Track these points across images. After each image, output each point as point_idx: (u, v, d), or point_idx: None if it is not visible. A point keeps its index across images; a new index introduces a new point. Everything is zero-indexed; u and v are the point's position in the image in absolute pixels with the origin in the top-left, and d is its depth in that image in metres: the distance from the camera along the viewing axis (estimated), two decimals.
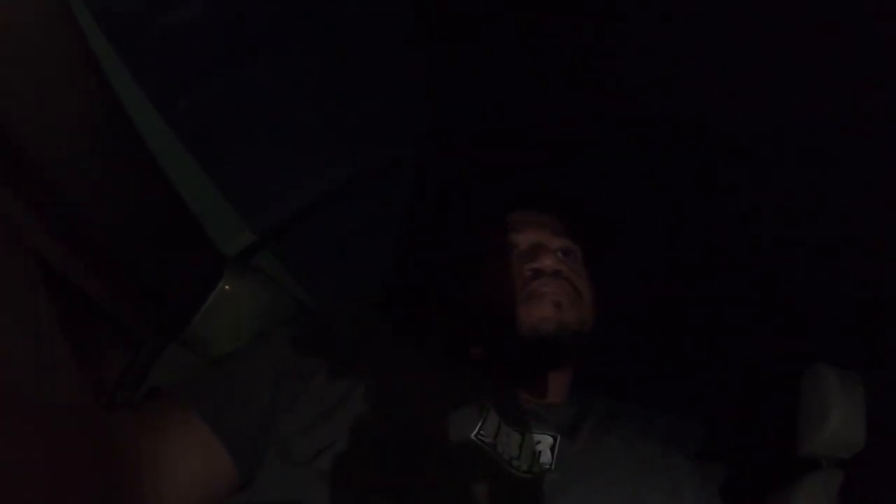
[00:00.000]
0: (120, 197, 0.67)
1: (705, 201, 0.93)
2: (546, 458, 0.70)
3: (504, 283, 0.83)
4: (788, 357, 0.84)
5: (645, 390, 1.07)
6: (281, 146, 1.00)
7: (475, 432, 0.68)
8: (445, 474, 0.64)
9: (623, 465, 0.72)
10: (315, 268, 1.10)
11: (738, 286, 0.96)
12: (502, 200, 0.98)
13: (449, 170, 1.14)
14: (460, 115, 1.08)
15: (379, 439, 0.65)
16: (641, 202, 1.00)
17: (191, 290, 0.82)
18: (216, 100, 0.86)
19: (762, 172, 0.84)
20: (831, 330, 0.85)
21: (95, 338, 0.71)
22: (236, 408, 0.66)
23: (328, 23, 0.91)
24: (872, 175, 0.73)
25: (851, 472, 0.71)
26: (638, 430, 0.81)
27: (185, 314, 0.82)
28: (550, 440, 0.72)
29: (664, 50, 0.79)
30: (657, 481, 0.72)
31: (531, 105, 0.98)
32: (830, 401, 0.71)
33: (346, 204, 1.11)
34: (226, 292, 0.85)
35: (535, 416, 0.75)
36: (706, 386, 1.03)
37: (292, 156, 1.02)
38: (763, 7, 0.67)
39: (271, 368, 0.70)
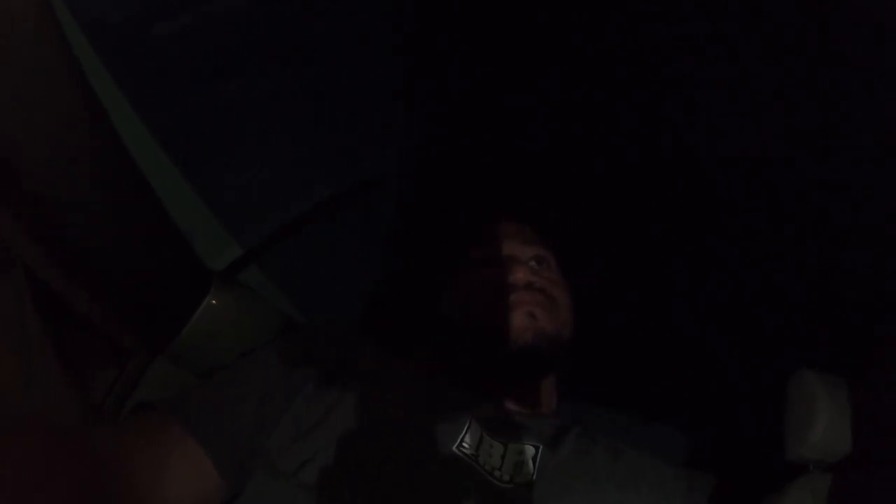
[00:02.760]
0: (106, 210, 0.67)
1: (686, 207, 0.95)
2: (528, 468, 0.70)
3: (480, 296, 0.83)
4: (773, 362, 0.85)
5: (629, 398, 1.08)
6: (266, 162, 1.00)
7: (456, 444, 0.69)
8: (426, 487, 0.64)
9: (607, 475, 0.73)
10: (301, 282, 1.10)
11: (721, 291, 0.97)
12: (477, 212, 0.99)
13: (431, 185, 1.15)
14: (439, 131, 1.09)
15: (361, 453, 0.66)
16: (620, 206, 1.01)
17: (178, 305, 0.82)
18: (203, 114, 0.86)
19: (742, 178, 0.85)
20: (816, 335, 0.86)
21: (83, 351, 0.71)
22: (223, 422, 0.67)
23: (312, 40, 0.92)
24: (857, 182, 0.75)
25: (839, 475, 0.71)
26: (624, 439, 0.81)
27: (173, 328, 0.81)
28: (532, 450, 0.72)
29: (638, 55, 0.81)
30: (643, 490, 0.73)
31: (503, 113, 1.00)
32: (816, 405, 0.72)
33: (331, 220, 1.11)
34: (212, 307, 0.84)
35: (518, 426, 0.76)
36: (691, 393, 1.03)
37: (278, 172, 1.02)
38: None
39: (257, 384, 0.71)
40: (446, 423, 0.70)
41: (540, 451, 0.72)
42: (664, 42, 0.79)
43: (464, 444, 0.69)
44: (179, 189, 0.86)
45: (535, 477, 0.69)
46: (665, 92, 0.85)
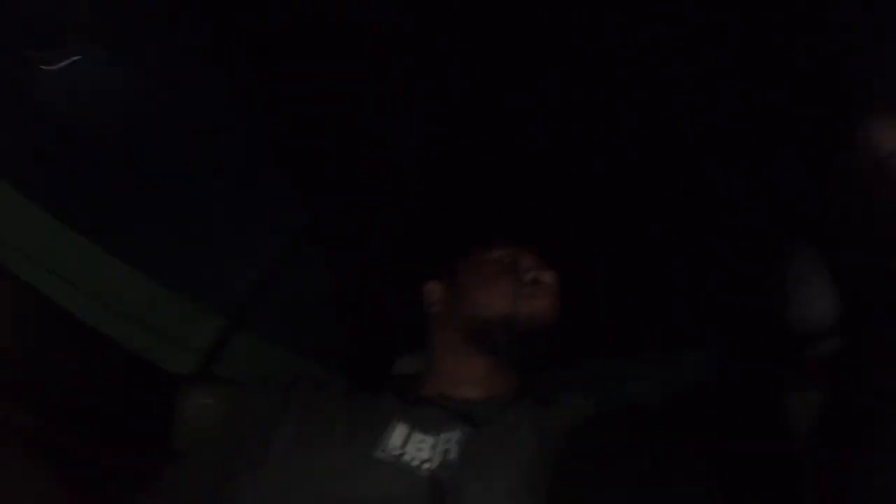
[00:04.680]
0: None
1: (686, 207, 0.95)
2: (452, 452, 0.75)
3: (503, 285, 0.86)
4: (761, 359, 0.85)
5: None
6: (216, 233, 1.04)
7: (379, 449, 0.75)
8: (353, 495, 0.71)
9: (526, 448, 0.75)
10: (293, 330, 1.15)
11: (721, 291, 0.97)
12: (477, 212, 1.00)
13: (431, 185, 1.15)
14: (439, 131, 1.10)
15: (289, 484, 0.73)
16: (619, 206, 1.02)
17: (152, 422, 0.89)
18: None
19: (742, 178, 0.86)
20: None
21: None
22: None
23: None
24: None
25: None
26: (578, 408, 0.83)
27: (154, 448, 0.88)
28: (459, 434, 0.76)
29: (638, 55, 0.82)
30: (580, 454, 0.75)
31: (503, 113, 1.01)
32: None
33: (294, 270, 1.15)
34: (183, 415, 0.92)
35: (452, 415, 0.79)
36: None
37: (231, 237, 1.06)
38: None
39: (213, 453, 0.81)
40: (367, 433, 0.77)
41: (467, 433, 0.76)
42: (664, 42, 0.79)
43: (384, 448, 0.75)
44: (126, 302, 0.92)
45: (458, 458, 0.74)
46: (665, 92, 0.85)
